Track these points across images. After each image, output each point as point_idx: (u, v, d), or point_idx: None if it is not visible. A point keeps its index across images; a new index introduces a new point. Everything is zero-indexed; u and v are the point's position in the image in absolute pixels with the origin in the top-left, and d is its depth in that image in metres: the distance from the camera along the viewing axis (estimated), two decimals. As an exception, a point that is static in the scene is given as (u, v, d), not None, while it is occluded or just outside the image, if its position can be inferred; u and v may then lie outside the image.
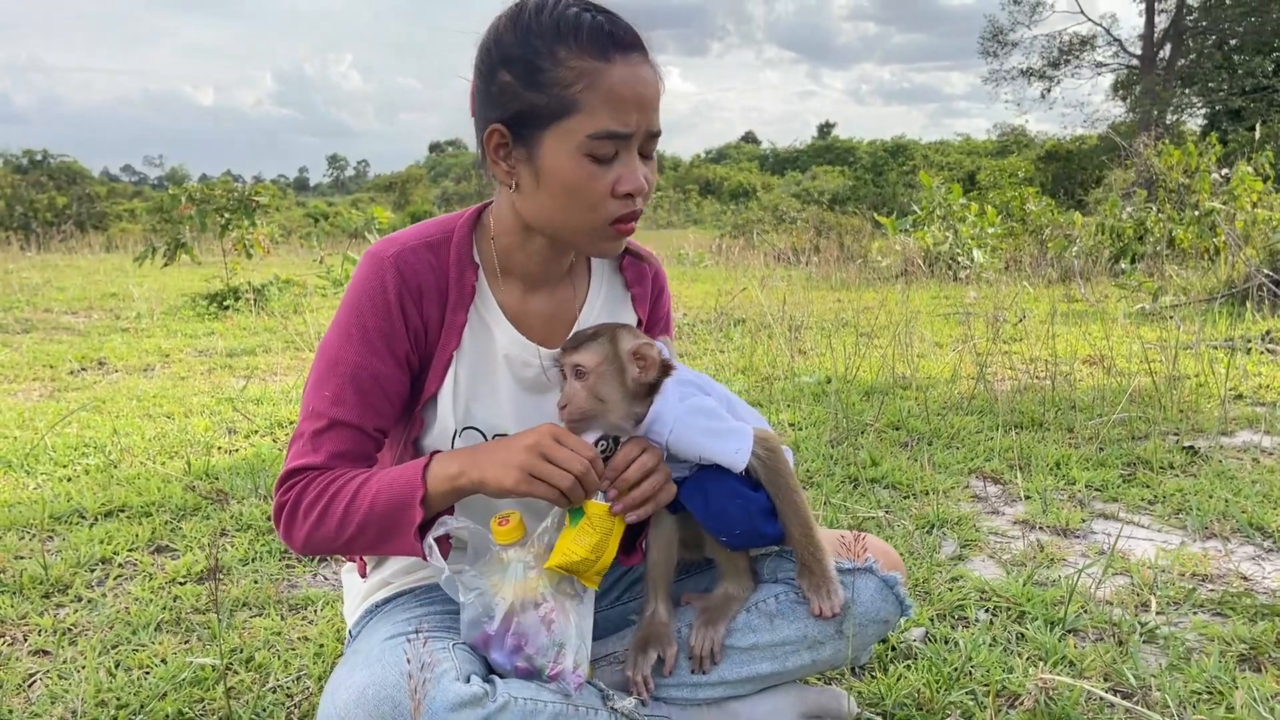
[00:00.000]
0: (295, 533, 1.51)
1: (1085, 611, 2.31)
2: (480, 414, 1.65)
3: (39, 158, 44.86)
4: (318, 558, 2.82)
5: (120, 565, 2.78)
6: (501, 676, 1.47)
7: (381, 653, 1.40)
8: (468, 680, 1.36)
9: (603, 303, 1.77)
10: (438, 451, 1.51)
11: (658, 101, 1.50)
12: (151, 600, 2.50)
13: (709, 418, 1.55)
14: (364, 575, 1.76)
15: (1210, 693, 1.93)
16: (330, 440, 1.54)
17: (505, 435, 1.63)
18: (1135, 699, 1.90)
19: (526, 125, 1.47)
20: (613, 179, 1.48)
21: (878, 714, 1.89)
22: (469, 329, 1.63)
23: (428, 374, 1.61)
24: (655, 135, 1.52)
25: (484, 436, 1.65)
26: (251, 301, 8.98)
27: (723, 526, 1.58)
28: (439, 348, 1.61)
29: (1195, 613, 2.33)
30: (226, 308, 9.03)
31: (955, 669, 2.04)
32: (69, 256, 18.23)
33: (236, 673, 2.11)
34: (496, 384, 1.66)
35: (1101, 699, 1.89)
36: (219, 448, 4.05)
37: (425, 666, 1.31)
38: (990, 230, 12.26)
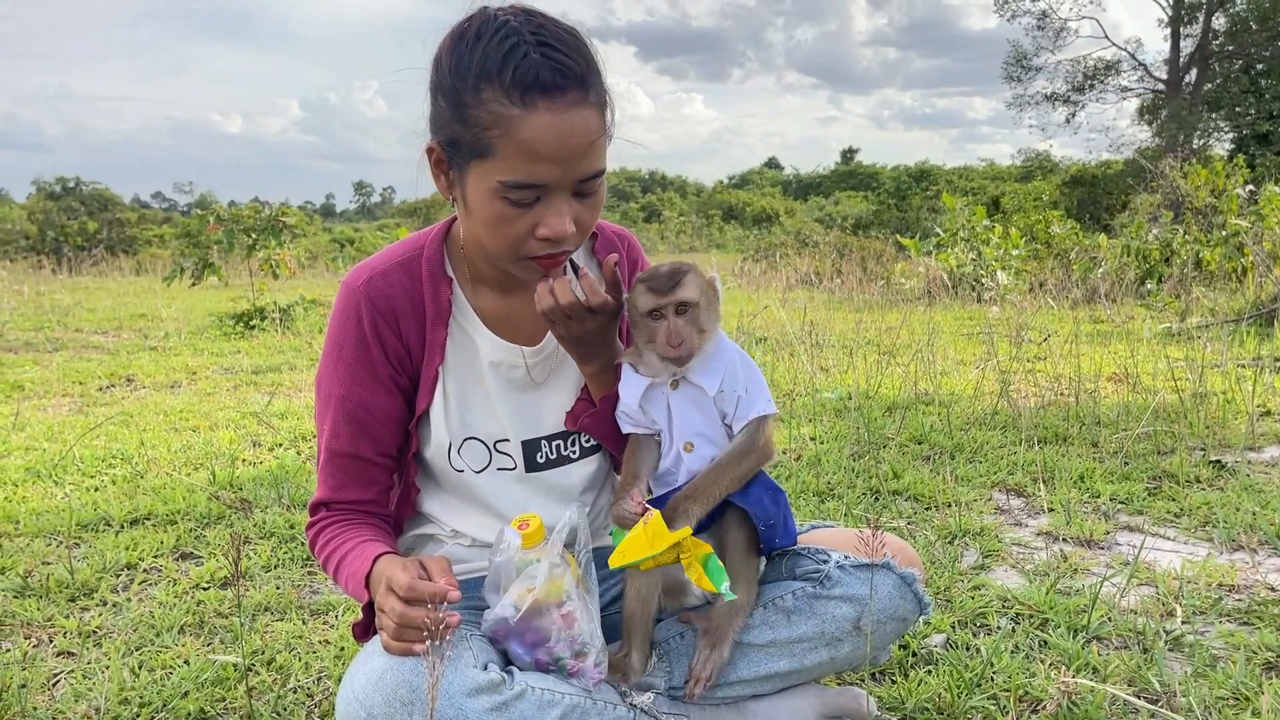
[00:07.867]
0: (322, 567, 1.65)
1: (1109, 619, 2.29)
2: (476, 423, 1.68)
3: (71, 184, 45.52)
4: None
5: (145, 571, 2.80)
6: (520, 669, 1.47)
7: (400, 641, 1.40)
8: (485, 668, 1.37)
9: None
10: (386, 553, 1.50)
11: (591, 146, 1.42)
12: (175, 604, 2.52)
13: (752, 366, 1.65)
14: None
15: (1236, 698, 1.91)
16: (333, 473, 1.64)
17: (507, 440, 1.69)
18: (1160, 704, 1.88)
19: (457, 153, 1.45)
20: (532, 222, 1.44)
21: (898, 717, 1.88)
22: (451, 342, 1.65)
23: (418, 392, 1.64)
24: (594, 176, 1.45)
25: (485, 446, 1.68)
26: (277, 321, 9.05)
27: (761, 515, 1.63)
28: (425, 365, 1.63)
29: (1221, 621, 2.30)
30: (253, 327, 9.11)
31: (977, 674, 2.02)
32: (99, 279, 18.45)
33: (258, 673, 2.12)
34: (487, 391, 1.68)
35: (1125, 703, 1.87)
36: (243, 459, 4.09)
37: (440, 651, 1.31)
38: (1014, 253, 12.20)
